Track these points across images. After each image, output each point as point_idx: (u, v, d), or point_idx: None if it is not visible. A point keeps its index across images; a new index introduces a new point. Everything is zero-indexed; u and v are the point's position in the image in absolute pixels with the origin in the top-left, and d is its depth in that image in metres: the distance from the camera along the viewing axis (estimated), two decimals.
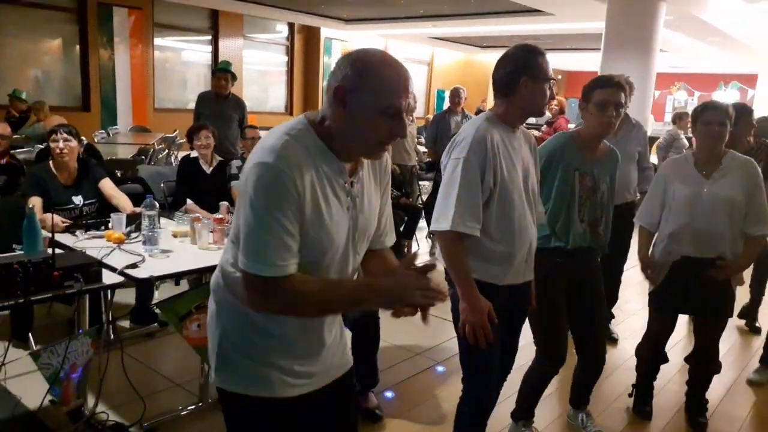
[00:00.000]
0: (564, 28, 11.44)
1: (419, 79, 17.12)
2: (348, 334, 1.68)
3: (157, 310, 3.70)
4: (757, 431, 3.04)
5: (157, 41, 11.13)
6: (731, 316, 2.87)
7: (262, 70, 13.45)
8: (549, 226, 2.42)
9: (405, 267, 1.39)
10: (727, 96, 15.44)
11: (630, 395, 3.15)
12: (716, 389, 3.43)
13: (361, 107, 1.28)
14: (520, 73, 1.98)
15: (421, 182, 7.64)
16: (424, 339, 3.88)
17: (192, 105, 11.55)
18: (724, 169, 2.70)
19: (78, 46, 10.08)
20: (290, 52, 13.75)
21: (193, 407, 2.88)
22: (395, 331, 3.94)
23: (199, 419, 2.82)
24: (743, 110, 4.08)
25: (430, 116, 13.72)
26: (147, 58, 10.86)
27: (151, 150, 6.96)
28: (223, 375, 1.44)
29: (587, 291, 2.59)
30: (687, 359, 3.06)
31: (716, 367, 2.96)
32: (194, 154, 4.59)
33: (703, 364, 2.96)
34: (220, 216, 3.08)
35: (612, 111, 2.34)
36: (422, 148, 8.94)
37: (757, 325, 4.42)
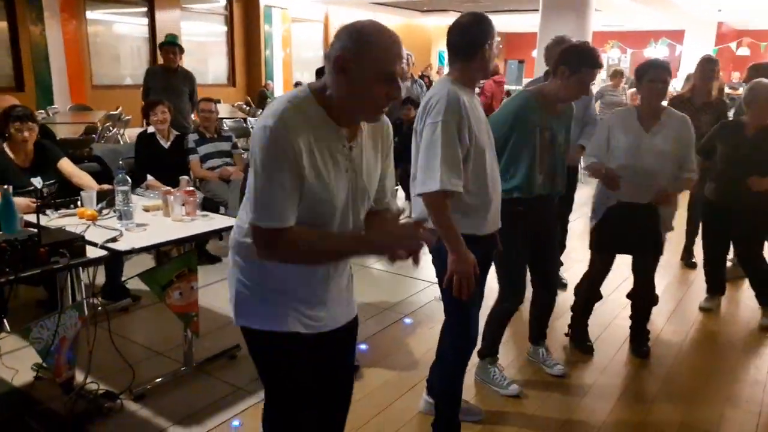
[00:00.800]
0: None
1: None
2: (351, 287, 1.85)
3: (126, 281, 3.77)
4: (692, 351, 3.40)
5: (90, 15, 10.71)
6: (662, 254, 3.21)
7: (201, 41, 13.15)
8: (511, 177, 2.63)
9: (393, 220, 1.58)
10: (657, 52, 16.06)
11: (566, 335, 3.45)
12: (657, 320, 3.81)
13: (362, 74, 1.42)
14: (483, 43, 2.17)
15: None
16: (390, 295, 4.09)
17: (129, 80, 11.30)
18: (662, 123, 2.98)
19: (6, 23, 9.61)
20: (229, 21, 13.47)
21: (177, 373, 2.99)
22: (363, 290, 4.14)
23: (185, 383, 2.94)
24: (707, 61, 4.45)
25: None
26: (81, 34, 10.46)
27: (100, 128, 6.82)
28: (243, 316, 1.63)
29: (545, 233, 2.85)
30: (629, 296, 3.38)
31: (653, 300, 3.31)
32: (150, 129, 4.59)
33: (641, 298, 3.29)
34: (190, 188, 3.15)
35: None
36: None
37: (693, 260, 4.85)
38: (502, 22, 19.64)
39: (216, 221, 3.06)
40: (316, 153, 1.45)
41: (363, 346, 3.36)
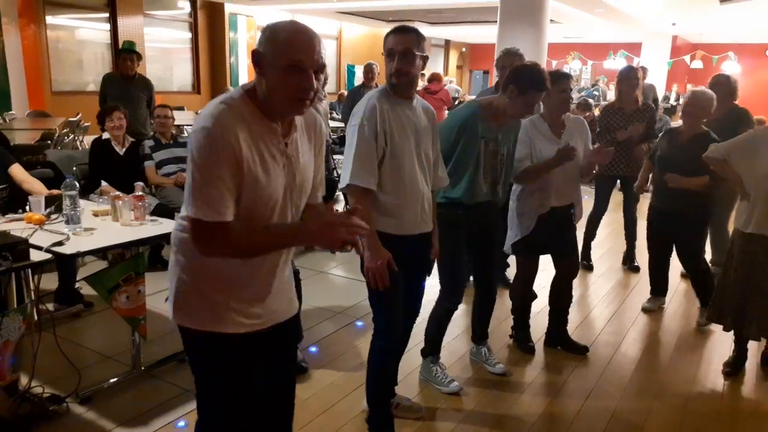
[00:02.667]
0: (464, 2, 11.89)
1: (328, 55, 17.14)
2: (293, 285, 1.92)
3: (80, 287, 3.77)
4: (629, 349, 3.56)
5: (50, 20, 10.57)
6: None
7: (165, 47, 13.06)
8: (456, 184, 2.75)
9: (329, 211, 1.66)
10: (616, 63, 16.53)
11: (510, 336, 3.58)
12: (599, 321, 3.98)
13: (271, 66, 1.51)
14: (385, 54, 2.30)
15: (336, 156, 7.87)
16: (345, 299, 4.17)
17: (92, 87, 11.18)
18: (568, 129, 3.19)
19: None
20: (194, 28, 13.41)
21: (122, 377, 3.02)
22: (318, 294, 4.22)
23: (132, 386, 2.97)
24: (630, 70, 4.73)
25: (343, 91, 13.90)
26: (40, 39, 10.31)
27: (56, 134, 6.75)
28: (181, 314, 1.69)
29: (486, 238, 2.99)
30: (551, 295, 3.52)
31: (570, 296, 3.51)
32: (105, 135, 4.61)
33: (563, 297, 3.46)
34: (139, 193, 3.19)
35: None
36: (336, 123, 9.17)
37: (636, 264, 5.05)
38: (466, 34, 20.02)
39: (165, 226, 3.10)
40: (253, 149, 1.53)
41: (313, 349, 3.43)
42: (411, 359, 3.13)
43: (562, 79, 3.11)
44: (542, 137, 3.15)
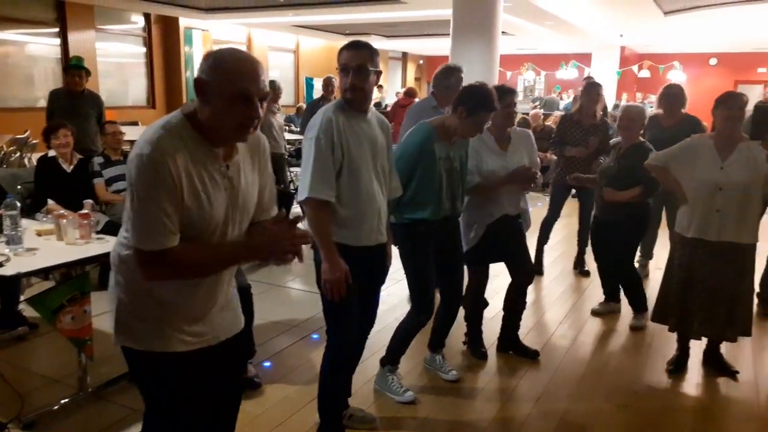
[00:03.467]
0: (418, 15, 12.06)
1: (286, 68, 17.14)
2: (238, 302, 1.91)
3: (23, 309, 3.67)
4: (580, 354, 3.65)
5: None
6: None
7: (119, 62, 12.84)
8: (421, 205, 2.81)
9: (274, 223, 1.69)
10: (568, 74, 17.00)
11: (464, 343, 3.64)
12: (550, 324, 4.06)
13: (216, 94, 1.52)
14: (339, 68, 2.33)
15: (292, 168, 7.86)
16: (300, 313, 4.16)
17: (42, 103, 10.89)
18: (514, 142, 3.29)
19: None
20: (148, 42, 13.24)
21: (70, 399, 2.95)
22: (273, 308, 4.20)
23: (79, 408, 2.90)
24: (592, 85, 4.88)
25: (301, 104, 13.89)
26: None
27: (2, 152, 6.56)
28: (123, 335, 1.68)
29: (449, 250, 3.04)
30: (506, 301, 3.58)
31: (524, 303, 3.58)
32: (52, 153, 4.51)
33: (517, 303, 3.53)
34: (85, 211, 3.14)
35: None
36: (294, 136, 9.17)
37: (586, 269, 5.20)
38: (423, 46, 20.26)
39: (111, 244, 3.03)
40: (194, 174, 1.54)
41: (267, 363, 3.41)
42: (365, 370, 3.15)
43: (506, 94, 3.19)
44: (488, 150, 3.23)
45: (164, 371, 1.69)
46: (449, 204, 2.92)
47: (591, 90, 4.90)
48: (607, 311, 4.29)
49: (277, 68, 16.48)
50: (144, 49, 13.26)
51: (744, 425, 2.95)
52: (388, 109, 8.81)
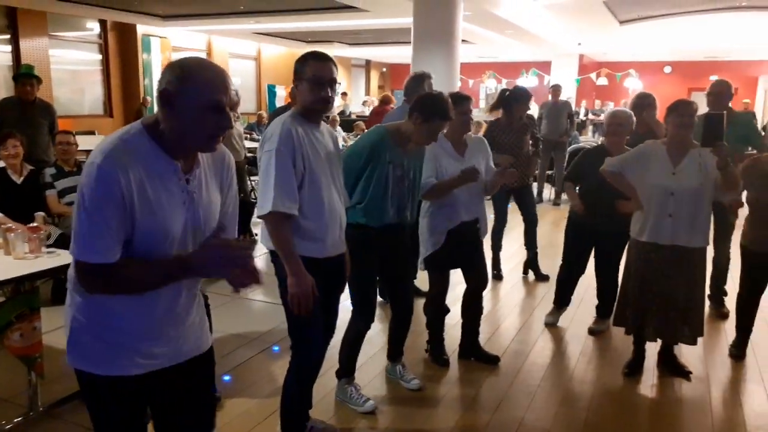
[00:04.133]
0: (380, 23, 12.13)
1: (247, 75, 17.01)
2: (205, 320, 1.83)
3: None
4: (540, 360, 3.70)
5: None
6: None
7: (74, 70, 12.55)
8: (362, 208, 2.79)
9: (216, 239, 1.62)
10: (528, 82, 17.31)
11: (426, 350, 3.65)
12: (509, 331, 4.11)
13: (186, 106, 1.49)
14: (296, 79, 2.32)
15: (253, 177, 7.79)
16: (262, 325, 4.11)
17: None
18: (470, 148, 3.32)
19: None
20: (104, 50, 12.97)
21: (21, 418, 2.85)
22: (234, 321, 4.15)
23: (30, 428, 2.81)
24: (520, 92, 4.96)
25: (262, 112, 13.78)
26: None
27: None
28: (75, 356, 1.61)
29: (397, 257, 3.03)
30: (463, 307, 3.60)
31: (481, 308, 3.61)
32: (1, 164, 4.37)
33: (474, 309, 3.56)
34: (35, 224, 3.04)
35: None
36: (255, 144, 9.07)
37: (543, 273, 5.28)
38: (386, 54, 20.37)
39: (63, 257, 2.97)
40: (148, 187, 1.49)
41: (227, 377, 3.36)
42: (326, 381, 3.12)
43: (462, 101, 3.24)
44: (446, 155, 3.26)
45: (116, 394, 1.63)
46: (394, 212, 2.89)
47: (525, 95, 5.02)
48: (558, 319, 4.24)
49: (238, 75, 16.34)
50: (100, 57, 13.00)
51: (697, 422, 3.02)
52: (353, 116, 8.80)
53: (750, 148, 4.48)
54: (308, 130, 2.35)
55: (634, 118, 3.84)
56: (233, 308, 4.42)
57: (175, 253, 1.57)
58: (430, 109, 2.80)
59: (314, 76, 2.27)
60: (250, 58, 16.98)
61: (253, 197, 7.15)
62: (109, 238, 1.45)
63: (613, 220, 3.61)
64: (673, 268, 3.23)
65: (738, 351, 3.72)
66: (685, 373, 3.45)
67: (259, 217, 2.32)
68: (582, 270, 4.10)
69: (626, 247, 3.62)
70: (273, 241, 2.30)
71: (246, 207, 6.10)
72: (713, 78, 18.85)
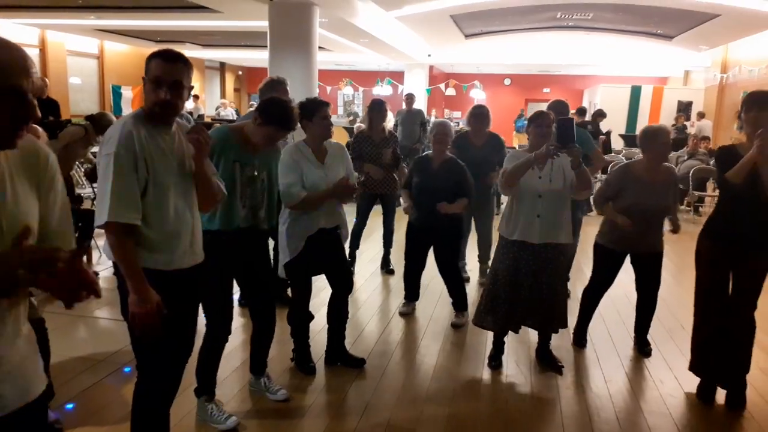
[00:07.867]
0: (234, 26, 11.80)
1: (89, 74, 15.71)
2: (37, 357, 1.53)
3: None
4: (404, 359, 3.78)
5: None
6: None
7: None
8: (212, 212, 2.65)
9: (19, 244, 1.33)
10: (383, 91, 17.79)
11: (291, 359, 3.59)
12: (375, 330, 4.17)
13: None
14: (144, 77, 2.14)
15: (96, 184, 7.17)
16: (108, 345, 3.77)
17: None
18: (330, 154, 3.32)
19: None
20: None
21: None
22: (75, 342, 3.78)
23: None
24: (379, 104, 5.21)
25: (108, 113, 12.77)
26: None
27: None
28: None
29: (255, 264, 2.93)
30: (328, 314, 3.60)
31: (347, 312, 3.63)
32: None
33: (340, 313, 3.58)
34: None
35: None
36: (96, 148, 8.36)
37: (391, 268, 5.65)
38: (242, 57, 19.87)
39: None
40: None
41: (69, 405, 3.04)
42: (185, 402, 2.94)
43: (322, 106, 3.22)
44: (307, 162, 3.22)
45: None
46: (247, 213, 2.81)
47: (380, 107, 5.27)
48: (411, 310, 4.61)
49: (78, 74, 15.04)
50: None
51: (566, 413, 3.24)
52: (208, 119, 8.41)
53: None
54: (154, 133, 2.15)
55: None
56: (76, 328, 4.03)
57: None
58: (271, 114, 2.75)
59: (155, 76, 2.09)
60: (91, 56, 15.68)
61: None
62: None
63: (434, 218, 4.09)
64: (541, 263, 3.48)
65: (581, 340, 4.09)
66: (557, 367, 3.67)
67: (97, 227, 2.09)
68: (419, 266, 4.50)
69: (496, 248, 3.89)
70: (113, 253, 2.10)
71: (86, 218, 5.61)
72: (546, 90, 20.59)
